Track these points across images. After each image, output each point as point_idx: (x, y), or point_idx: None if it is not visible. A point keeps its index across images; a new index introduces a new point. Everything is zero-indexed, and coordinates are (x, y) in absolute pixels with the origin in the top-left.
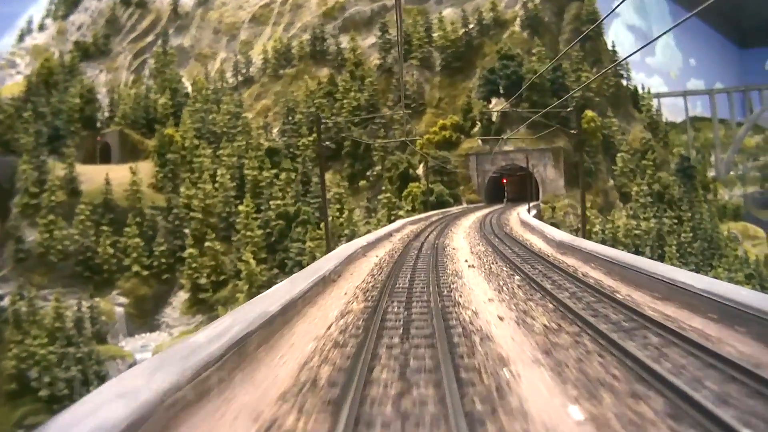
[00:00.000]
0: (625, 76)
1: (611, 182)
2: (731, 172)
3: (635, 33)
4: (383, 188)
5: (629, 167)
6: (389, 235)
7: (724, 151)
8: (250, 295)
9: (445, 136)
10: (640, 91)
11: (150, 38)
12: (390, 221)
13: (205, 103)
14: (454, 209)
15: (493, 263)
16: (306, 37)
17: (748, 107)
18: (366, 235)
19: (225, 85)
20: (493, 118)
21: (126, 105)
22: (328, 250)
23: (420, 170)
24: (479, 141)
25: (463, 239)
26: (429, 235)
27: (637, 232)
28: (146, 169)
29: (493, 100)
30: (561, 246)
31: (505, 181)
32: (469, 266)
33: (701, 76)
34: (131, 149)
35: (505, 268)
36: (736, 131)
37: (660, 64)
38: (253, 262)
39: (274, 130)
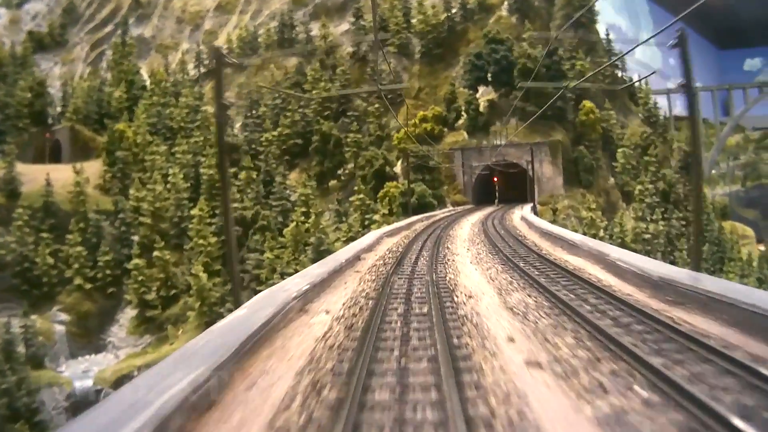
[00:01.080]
0: (620, 66)
1: (612, 180)
2: (713, 171)
3: (615, 31)
4: (355, 188)
5: (631, 164)
6: (356, 259)
7: (706, 149)
8: (202, 315)
9: (427, 129)
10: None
11: (109, 28)
12: (363, 227)
13: (163, 96)
14: (440, 213)
15: (585, 358)
16: (274, 24)
17: (732, 106)
18: (317, 263)
19: (186, 77)
20: (481, 109)
21: (78, 99)
22: (236, 302)
23: (398, 168)
24: (465, 134)
25: (473, 267)
26: (417, 257)
27: (646, 236)
28: (96, 168)
29: (481, 89)
30: (662, 287)
31: (495, 179)
32: (527, 363)
33: (681, 76)
34: (83, 147)
35: (639, 388)
36: (717, 130)
37: (640, 63)
38: (204, 275)
39: (237, 125)
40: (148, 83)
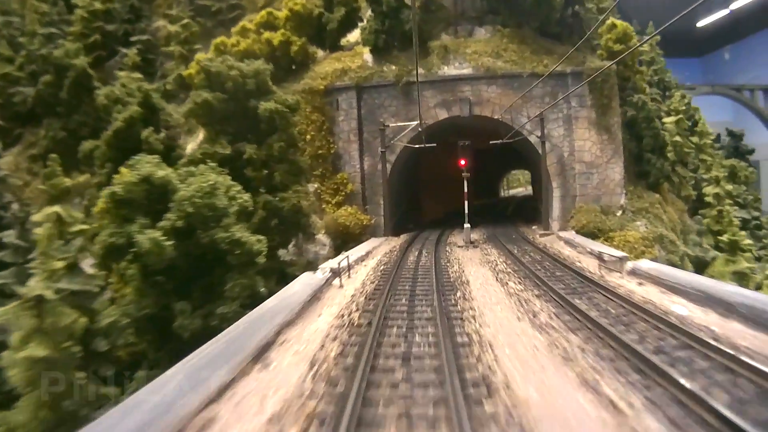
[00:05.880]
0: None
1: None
2: None
3: None
4: (51, 181)
5: (691, 146)
6: None
7: None
8: None
9: (273, 45)
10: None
11: None
12: None
13: None
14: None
15: None
16: None
17: None
18: None
19: None
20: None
21: None
22: None
23: (201, 137)
24: (366, 57)
25: None
26: None
27: None
28: None
29: None
30: None
31: (463, 163)
32: None
33: None
34: None
35: None
36: None
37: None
38: None
39: None
40: None
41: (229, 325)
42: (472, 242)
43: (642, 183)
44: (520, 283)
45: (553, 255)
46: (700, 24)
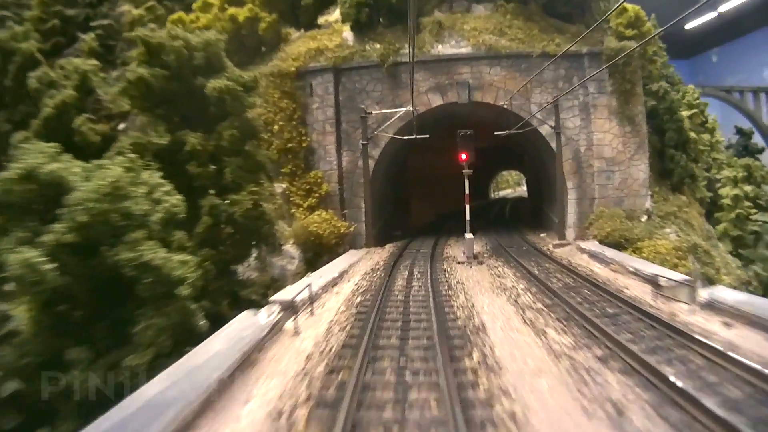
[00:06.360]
0: None
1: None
2: None
3: None
4: None
5: (706, 144)
6: None
7: None
8: None
9: (238, 22)
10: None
11: None
12: None
13: None
14: None
15: None
16: None
17: None
18: None
19: None
20: None
21: None
22: None
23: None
24: (346, 34)
25: None
26: None
27: None
28: None
29: None
30: None
31: (464, 157)
32: None
33: None
34: None
35: None
36: None
37: None
38: None
39: None
40: None
41: (140, 384)
42: (475, 256)
43: (665, 183)
44: (563, 330)
45: (586, 276)
46: (689, 26)
